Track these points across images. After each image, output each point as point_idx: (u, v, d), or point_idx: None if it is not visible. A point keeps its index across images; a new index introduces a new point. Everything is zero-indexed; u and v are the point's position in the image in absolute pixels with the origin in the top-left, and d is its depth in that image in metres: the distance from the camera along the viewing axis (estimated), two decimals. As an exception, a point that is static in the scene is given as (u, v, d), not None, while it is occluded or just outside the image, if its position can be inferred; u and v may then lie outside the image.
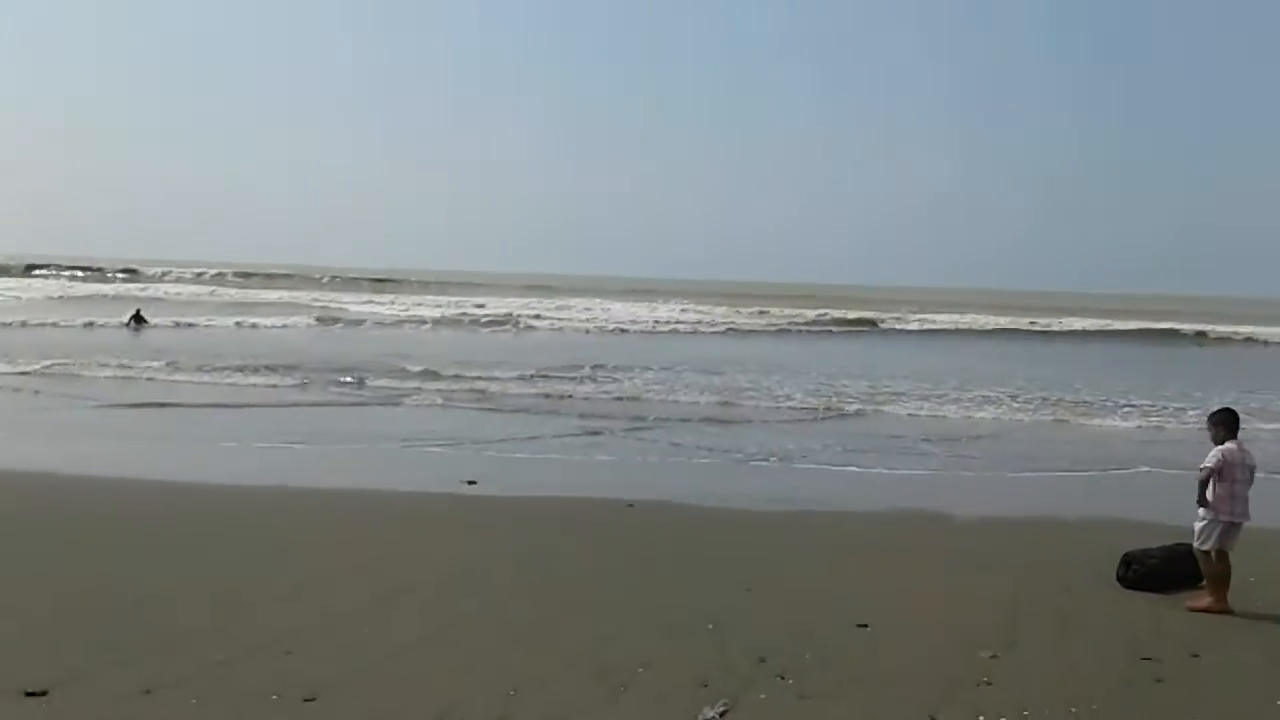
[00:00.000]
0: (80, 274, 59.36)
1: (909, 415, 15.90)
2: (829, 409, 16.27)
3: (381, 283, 63.16)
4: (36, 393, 15.58)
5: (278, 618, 5.62)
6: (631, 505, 9.09)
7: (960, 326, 41.65)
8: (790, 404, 16.77)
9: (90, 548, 7.09)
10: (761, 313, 46.39)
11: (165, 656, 4.96)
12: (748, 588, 6.60)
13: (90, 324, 29.44)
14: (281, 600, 5.97)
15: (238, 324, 31.61)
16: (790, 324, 41.50)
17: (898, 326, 41.48)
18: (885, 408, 16.50)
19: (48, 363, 18.46)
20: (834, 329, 40.14)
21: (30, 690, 4.48)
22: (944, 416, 15.91)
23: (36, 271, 63.35)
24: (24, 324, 28.90)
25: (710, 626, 5.74)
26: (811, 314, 45.50)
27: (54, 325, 28.81)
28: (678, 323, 40.10)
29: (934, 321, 43.41)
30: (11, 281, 53.13)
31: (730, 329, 38.66)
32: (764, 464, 11.68)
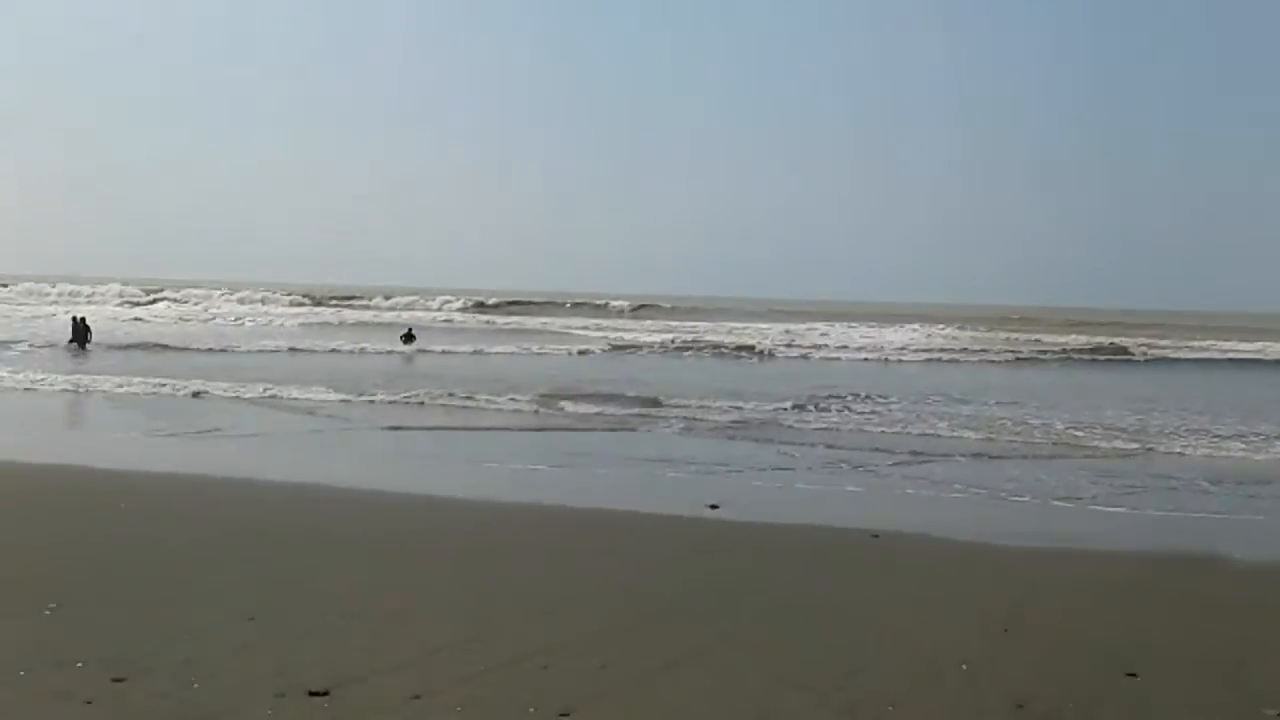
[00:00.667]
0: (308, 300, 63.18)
1: (1184, 452, 14.74)
2: (1092, 445, 15.30)
3: (640, 309, 64.43)
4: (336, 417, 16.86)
5: (532, 632, 5.83)
6: (877, 536, 8.88)
7: (1232, 355, 38.47)
8: (1050, 437, 15.90)
9: (360, 558, 7.61)
10: (1013, 339, 44.51)
11: (431, 664, 5.25)
12: (1004, 628, 6.29)
13: (363, 350, 31.38)
14: (535, 616, 6.19)
15: (486, 351, 33.02)
16: (1037, 350, 39.43)
17: (1154, 354, 38.67)
18: (1156, 444, 15.35)
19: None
20: (1083, 356, 37.81)
21: (314, 690, 4.84)
22: (1226, 455, 14.64)
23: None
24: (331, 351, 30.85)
25: (964, 667, 5.50)
26: (1060, 339, 43.25)
27: (334, 351, 30.93)
28: (921, 349, 38.89)
29: (1195, 348, 40.31)
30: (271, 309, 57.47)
31: (973, 354, 37.17)
32: (1022, 500, 11.12)
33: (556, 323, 51.83)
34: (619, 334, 41.98)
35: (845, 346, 38.91)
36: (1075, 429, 16.62)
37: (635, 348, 35.65)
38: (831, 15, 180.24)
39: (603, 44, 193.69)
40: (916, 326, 49.27)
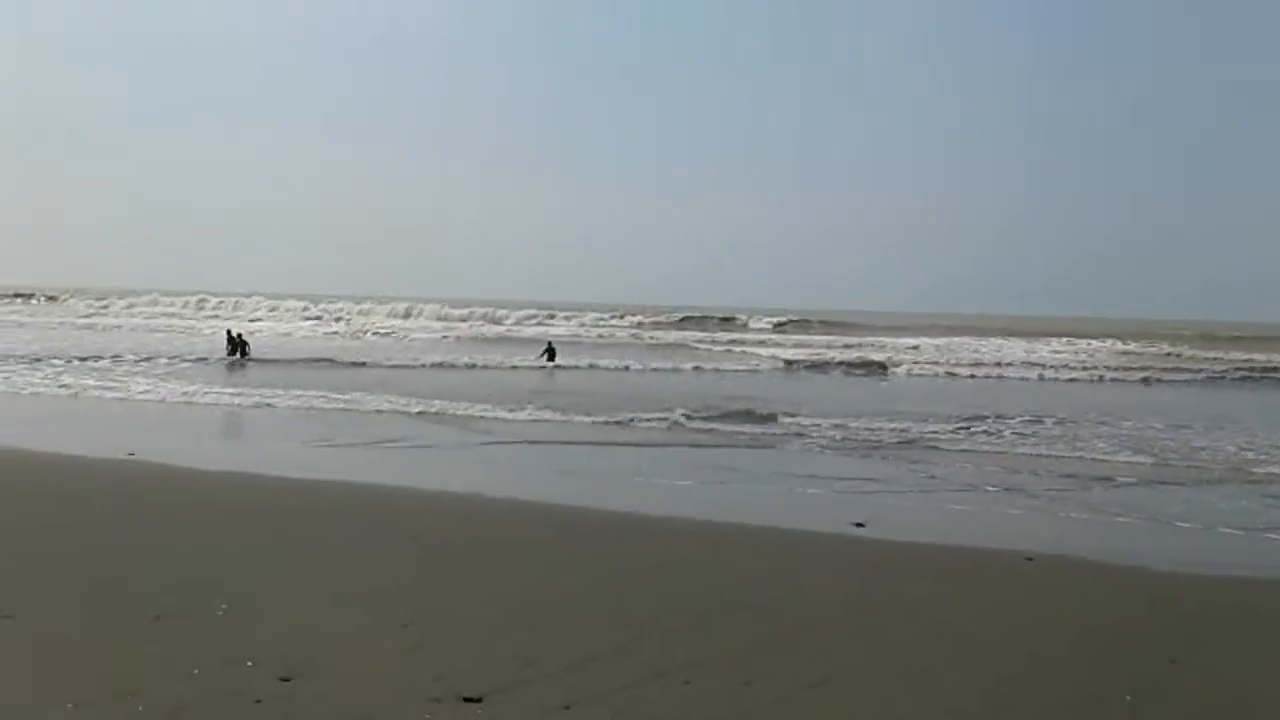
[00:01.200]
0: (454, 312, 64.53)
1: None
2: (1265, 470, 14.42)
3: (784, 325, 63.92)
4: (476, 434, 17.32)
5: (678, 646, 5.85)
6: (1031, 559, 8.59)
7: None
8: (1218, 460, 15.07)
9: (512, 565, 7.78)
10: (1171, 354, 42.48)
11: (581, 675, 5.33)
12: (1171, 659, 6.00)
13: (512, 366, 31.87)
14: (680, 630, 6.21)
15: (628, 368, 33.23)
16: (1193, 366, 37.43)
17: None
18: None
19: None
20: (1251, 374, 35.57)
21: (468, 696, 4.97)
22: None
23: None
24: (473, 365, 31.53)
25: (1128, 698, 5.28)
26: (1217, 354, 40.99)
27: (480, 367, 31.69)
28: (1070, 364, 37.43)
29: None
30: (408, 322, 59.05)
31: (1128, 370, 35.52)
32: (1187, 525, 10.59)
33: (692, 337, 52.03)
34: (772, 351, 41.73)
35: (999, 363, 37.78)
36: (1247, 450, 15.73)
37: (795, 364, 35.48)
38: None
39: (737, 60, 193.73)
40: (1064, 341, 47.55)
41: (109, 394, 20.55)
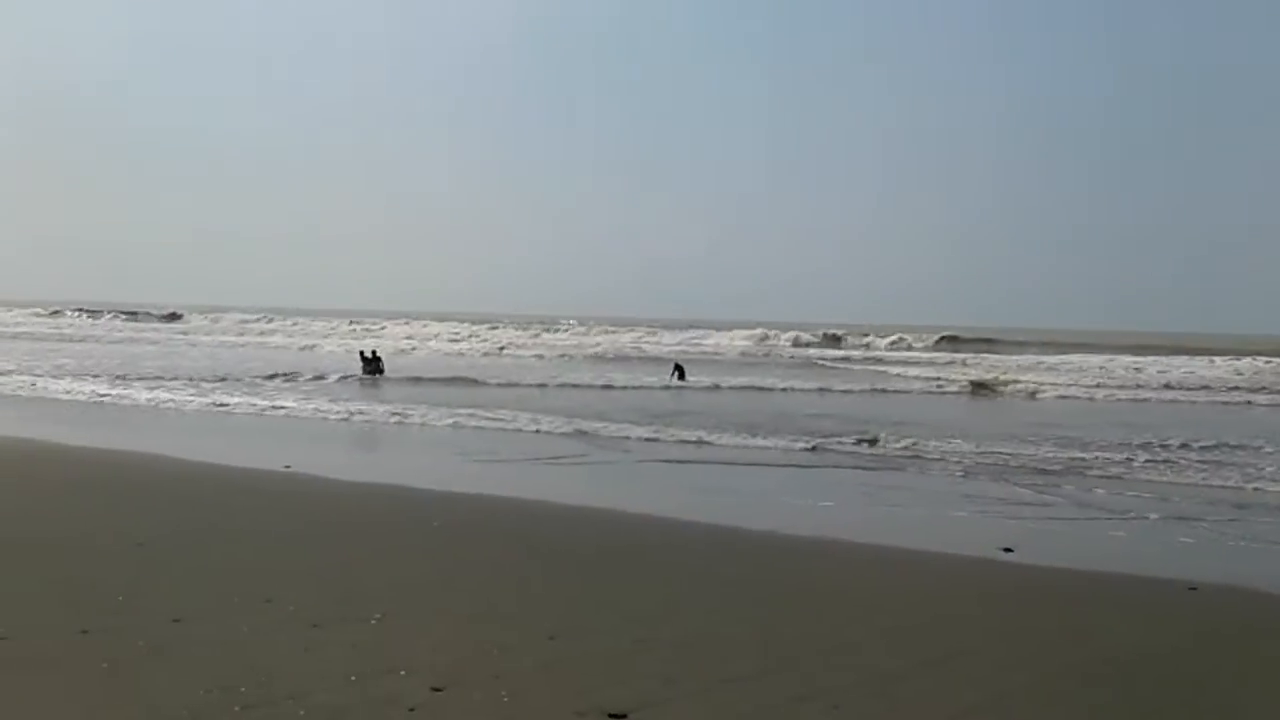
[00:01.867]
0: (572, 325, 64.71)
1: None
2: None
3: (941, 341, 62.30)
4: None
5: (822, 670, 5.78)
6: (1194, 589, 8.17)
7: None
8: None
9: (654, 581, 7.81)
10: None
11: (723, 695, 5.31)
12: (1354, 700, 5.62)
13: (640, 386, 31.87)
14: (825, 653, 6.12)
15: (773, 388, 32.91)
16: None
17: None
18: None
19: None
20: None
21: (612, 712, 5.01)
22: None
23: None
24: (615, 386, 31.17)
25: (1308, 740, 4.96)
26: None
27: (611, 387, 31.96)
28: (1206, 386, 35.37)
29: None
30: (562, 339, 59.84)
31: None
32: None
33: (825, 354, 51.40)
34: (909, 370, 40.83)
35: (1138, 385, 36.08)
36: None
37: (934, 382, 34.71)
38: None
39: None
40: (1204, 359, 45.03)
41: (261, 410, 21.47)
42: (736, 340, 60.91)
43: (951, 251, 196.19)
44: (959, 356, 49.66)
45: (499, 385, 30.16)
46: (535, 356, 47.28)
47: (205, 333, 62.82)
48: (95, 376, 27.93)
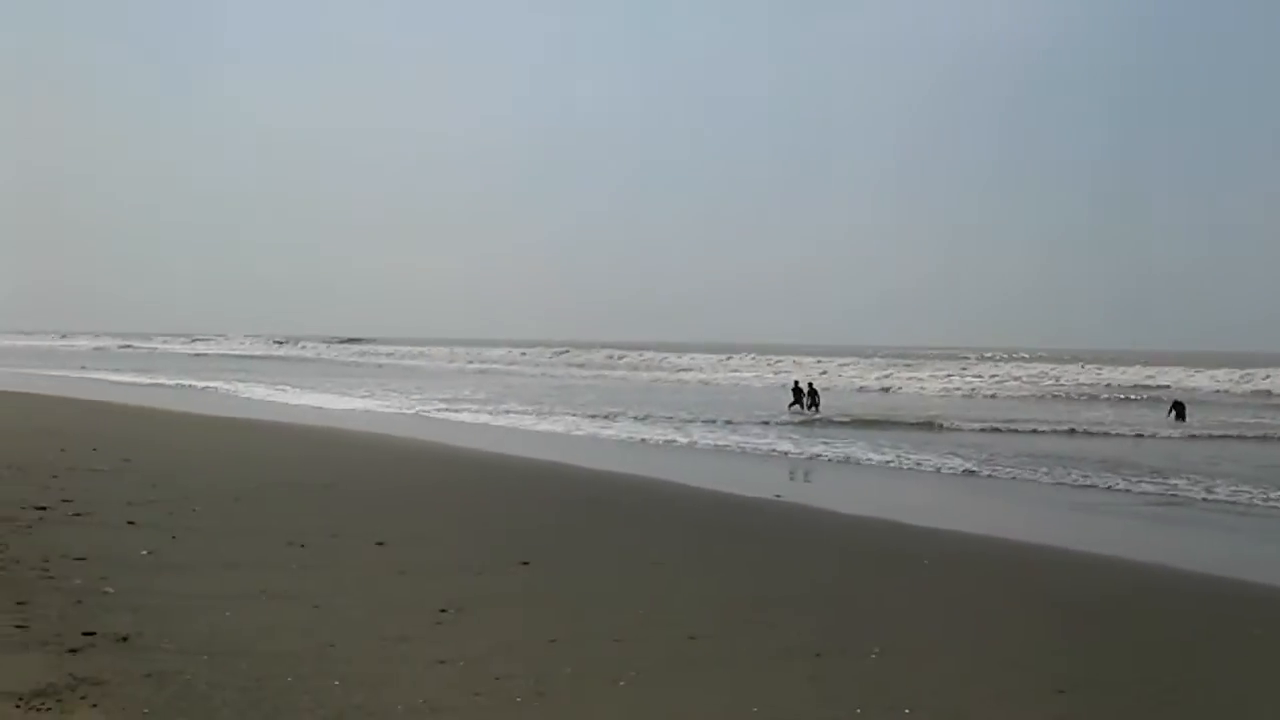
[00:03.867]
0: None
1: None
2: None
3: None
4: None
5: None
6: None
7: None
8: None
9: (1176, 640, 7.15)
10: None
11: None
12: None
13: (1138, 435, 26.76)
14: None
15: None
16: None
17: None
18: None
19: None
20: None
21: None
22: None
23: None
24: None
25: None
26: None
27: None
28: None
29: None
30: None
31: None
32: None
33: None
34: None
35: None
36: None
37: None
38: None
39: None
40: None
41: (734, 444, 22.48)
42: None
43: None
44: None
45: (979, 429, 27.03)
46: (988, 397, 43.62)
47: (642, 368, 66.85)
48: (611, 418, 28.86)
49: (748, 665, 6.11)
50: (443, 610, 6.78)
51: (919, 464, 18.50)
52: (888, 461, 19.02)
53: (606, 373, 62.57)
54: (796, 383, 33.33)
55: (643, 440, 22.51)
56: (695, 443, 21.88)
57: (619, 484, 14.84)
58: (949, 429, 27.13)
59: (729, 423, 26.67)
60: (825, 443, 21.91)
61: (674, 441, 22.23)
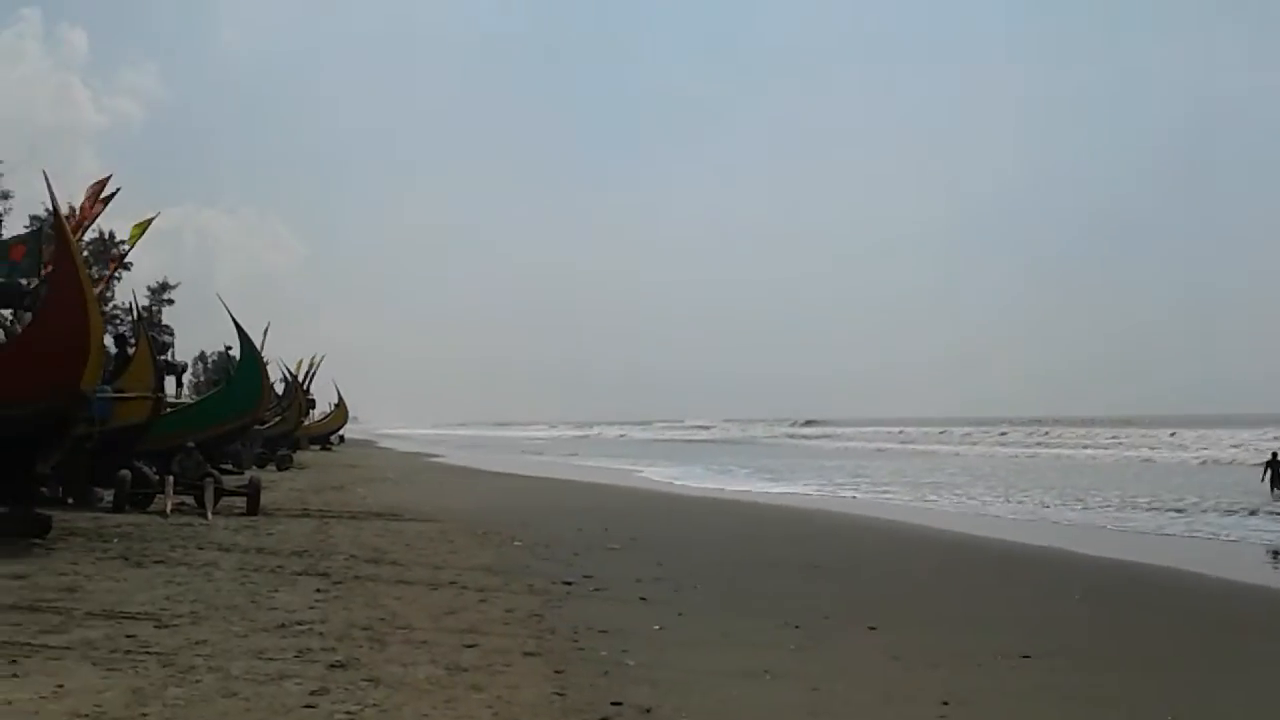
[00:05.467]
0: None
1: None
2: None
3: None
4: None
5: None
6: None
7: None
8: None
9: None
10: None
11: None
12: None
13: None
14: None
15: None
16: None
17: None
18: None
19: None
20: None
21: None
22: None
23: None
24: None
25: None
26: None
27: None
28: None
29: None
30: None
31: None
32: None
33: None
34: None
35: None
36: None
37: None
38: None
39: None
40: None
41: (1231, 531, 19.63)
42: None
43: None
44: None
45: None
46: None
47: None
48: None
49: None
50: (944, 703, 6.63)
51: None
52: None
53: (1047, 450, 57.30)
54: (1275, 454, 27.25)
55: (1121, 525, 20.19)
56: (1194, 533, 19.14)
57: (1119, 573, 13.64)
58: None
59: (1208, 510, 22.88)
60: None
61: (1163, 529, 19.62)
